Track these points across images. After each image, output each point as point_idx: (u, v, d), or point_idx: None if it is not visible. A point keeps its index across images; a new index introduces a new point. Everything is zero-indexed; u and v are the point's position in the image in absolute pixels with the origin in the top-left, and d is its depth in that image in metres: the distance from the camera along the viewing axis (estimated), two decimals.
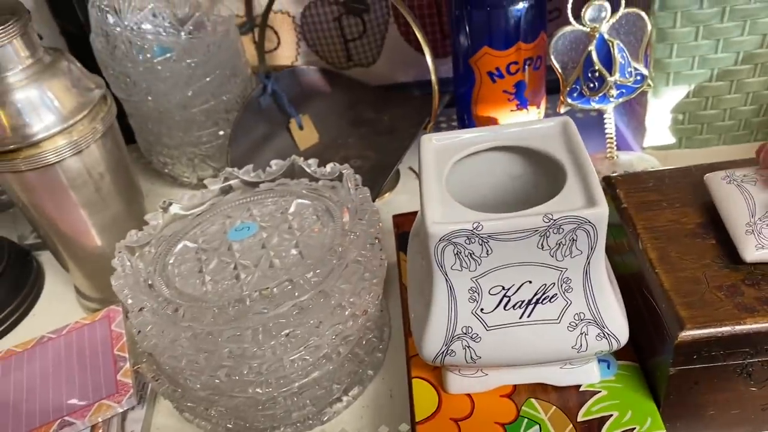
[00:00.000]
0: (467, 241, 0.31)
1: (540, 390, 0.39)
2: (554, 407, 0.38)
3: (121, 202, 0.51)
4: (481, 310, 0.34)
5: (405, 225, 0.53)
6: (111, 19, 0.59)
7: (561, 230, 0.31)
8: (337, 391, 0.43)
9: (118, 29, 0.58)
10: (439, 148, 0.37)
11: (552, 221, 0.31)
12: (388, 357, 0.47)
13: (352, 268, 0.39)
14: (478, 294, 0.33)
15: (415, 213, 0.54)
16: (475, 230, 0.31)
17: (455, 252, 0.32)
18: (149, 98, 0.58)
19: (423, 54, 0.67)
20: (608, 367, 0.39)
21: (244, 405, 0.41)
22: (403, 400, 0.45)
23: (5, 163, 0.46)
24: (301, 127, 0.64)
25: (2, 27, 0.43)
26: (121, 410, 0.44)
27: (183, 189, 0.66)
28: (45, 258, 0.62)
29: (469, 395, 0.39)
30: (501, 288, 0.33)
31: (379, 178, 0.58)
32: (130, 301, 0.39)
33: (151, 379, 0.45)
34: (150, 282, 0.41)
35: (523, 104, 0.55)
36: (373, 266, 0.41)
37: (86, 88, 0.47)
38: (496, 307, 0.34)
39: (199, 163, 0.63)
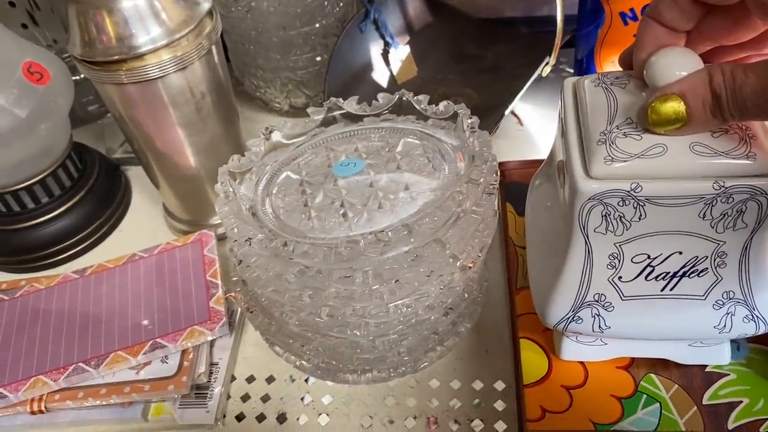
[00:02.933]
0: (620, 203, 0.28)
1: (660, 366, 0.36)
2: (676, 385, 0.35)
3: (219, 125, 0.49)
4: (619, 278, 0.31)
5: (511, 174, 0.50)
6: None
7: (731, 200, 0.27)
8: (432, 341, 0.42)
9: None
10: (594, 92, 0.33)
11: (723, 188, 0.27)
12: (484, 312, 0.45)
13: (469, 217, 0.36)
14: (619, 261, 0.30)
15: (521, 162, 0.51)
16: (632, 191, 0.28)
17: (603, 213, 0.29)
18: (249, 15, 0.55)
19: None
20: (738, 349, 0.36)
21: (339, 345, 0.40)
22: (499, 358, 0.43)
23: (108, 75, 0.44)
24: (400, 59, 0.60)
25: None
26: (212, 338, 0.43)
27: (272, 115, 0.64)
28: (132, 173, 0.61)
29: (582, 363, 0.37)
30: (646, 257, 0.30)
31: (481, 120, 0.54)
32: (236, 230, 0.37)
33: (245, 309, 0.44)
34: (254, 211, 0.40)
35: None
36: (488, 217, 0.38)
37: (194, 1, 0.44)
38: (636, 277, 0.31)
39: (293, 89, 0.61)
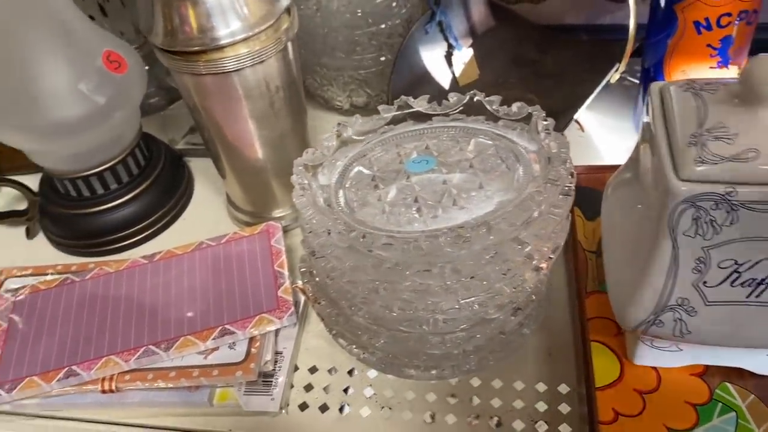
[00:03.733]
0: (713, 207, 0.28)
1: (735, 375, 0.36)
2: (753, 396, 0.35)
3: (289, 120, 0.50)
4: (704, 282, 0.31)
5: (578, 179, 0.49)
6: None
7: None
8: (498, 341, 0.42)
9: None
10: (682, 97, 0.33)
11: None
12: (548, 315, 0.45)
13: (547, 218, 0.37)
14: (705, 265, 0.30)
15: (587, 167, 0.51)
16: (727, 195, 0.28)
17: (694, 216, 0.29)
18: (318, 14, 0.56)
19: None
20: None
21: (407, 340, 0.41)
22: (563, 361, 0.43)
23: (187, 65, 0.45)
24: (463, 62, 0.60)
25: None
26: (280, 326, 0.44)
27: (332, 113, 0.65)
28: (194, 165, 0.63)
29: (655, 368, 0.37)
30: (733, 262, 0.30)
31: None
32: (314, 221, 0.38)
33: (313, 300, 0.45)
34: (328, 203, 0.40)
35: (724, 62, 0.49)
36: (563, 218, 0.39)
37: None
38: (721, 282, 0.31)
39: (355, 88, 0.61)
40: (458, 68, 0.61)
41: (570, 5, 0.64)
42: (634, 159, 0.36)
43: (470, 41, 0.62)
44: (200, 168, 0.62)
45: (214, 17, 0.43)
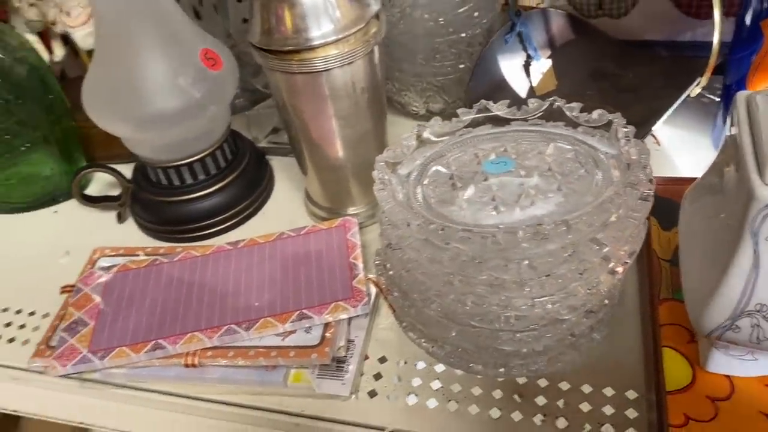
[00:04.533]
0: None
1: None
2: None
3: (370, 121, 0.52)
4: None
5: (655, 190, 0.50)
6: None
7: None
8: (568, 342, 0.43)
9: None
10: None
11: None
12: (619, 320, 0.45)
13: (626, 221, 0.37)
14: None
15: (664, 178, 0.51)
16: None
17: None
18: (402, 21, 0.59)
19: (681, 11, 0.63)
20: None
21: (476, 335, 0.42)
22: (632, 367, 0.43)
23: (280, 63, 0.48)
24: (541, 72, 0.61)
25: None
26: (354, 314, 0.46)
27: (408, 118, 0.67)
28: (275, 162, 0.66)
29: (728, 376, 0.36)
30: None
31: None
32: (394, 214, 0.40)
33: (386, 292, 0.46)
34: (407, 199, 0.42)
35: None
36: (640, 222, 0.39)
37: (365, 2, 0.48)
38: None
39: (432, 95, 0.63)
40: (536, 78, 0.62)
41: (651, 21, 0.64)
42: (716, 168, 0.37)
43: (549, 52, 0.63)
44: (281, 166, 0.65)
45: (308, 19, 0.46)
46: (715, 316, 0.32)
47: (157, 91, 0.51)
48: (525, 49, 0.62)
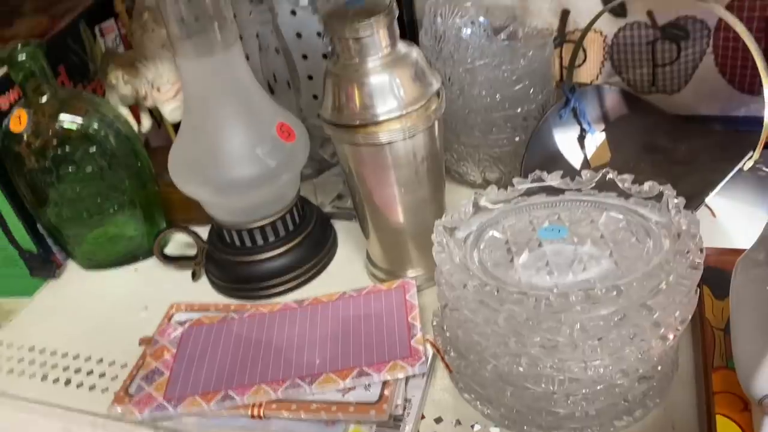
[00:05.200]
0: None
1: None
2: None
3: (429, 188, 0.55)
4: None
5: (708, 260, 0.51)
6: (439, 21, 0.65)
7: None
8: (622, 408, 0.43)
9: (443, 31, 0.63)
10: None
11: None
12: (673, 388, 0.46)
13: (676, 288, 0.39)
14: None
15: (717, 249, 0.52)
16: None
17: None
18: (460, 98, 0.63)
19: (734, 87, 0.65)
20: None
21: (531, 397, 0.43)
22: None
23: (348, 135, 0.52)
24: (595, 145, 0.64)
25: (374, 18, 0.48)
26: (412, 373, 0.48)
27: (465, 186, 0.70)
28: (339, 226, 0.69)
29: None
30: None
31: None
32: (451, 275, 0.42)
33: (443, 352, 0.48)
34: (464, 262, 0.44)
35: None
36: (691, 291, 0.40)
37: (427, 81, 0.52)
38: None
39: (489, 165, 0.66)
40: (590, 150, 0.64)
41: (704, 97, 0.66)
42: (764, 240, 0.38)
43: (603, 126, 0.66)
44: (344, 229, 0.69)
45: (375, 97, 0.50)
46: (765, 384, 0.33)
47: (237, 160, 0.56)
48: (579, 123, 0.64)
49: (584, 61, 0.68)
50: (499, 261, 0.45)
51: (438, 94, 0.53)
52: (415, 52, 0.52)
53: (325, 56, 0.81)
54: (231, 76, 0.55)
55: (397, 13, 0.50)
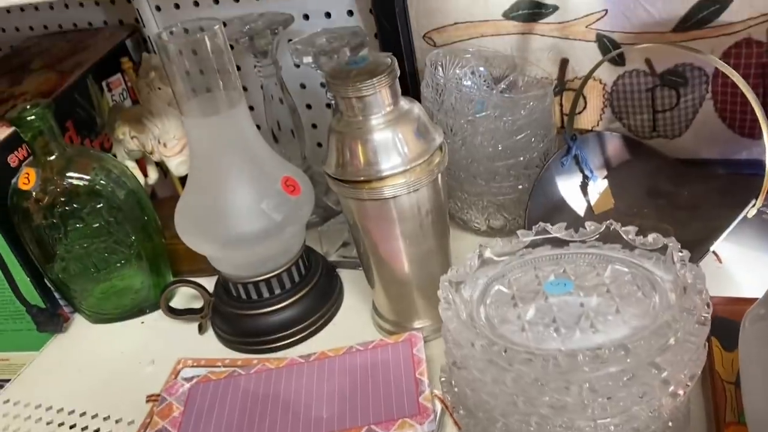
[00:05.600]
0: None
1: None
2: None
3: (434, 239, 0.56)
4: None
5: (715, 310, 0.50)
6: (440, 73, 0.66)
7: None
8: None
9: (443, 82, 0.64)
10: None
11: None
12: None
13: (683, 345, 0.39)
14: None
15: (725, 298, 0.52)
16: None
17: None
18: (463, 148, 0.63)
19: (735, 132, 0.65)
20: None
21: None
22: None
23: (352, 191, 0.52)
24: (598, 192, 0.64)
25: (377, 78, 0.49)
26: None
27: (470, 233, 0.71)
28: (344, 275, 0.70)
29: None
30: None
31: None
32: (458, 334, 0.42)
33: (452, 409, 0.48)
34: (470, 318, 0.44)
35: None
36: (699, 346, 0.40)
37: (430, 136, 0.53)
38: None
39: (492, 212, 0.67)
40: (593, 197, 0.65)
41: (704, 141, 0.66)
42: None
43: (605, 172, 0.66)
44: (350, 278, 0.69)
45: (379, 154, 0.51)
46: None
47: (243, 216, 0.57)
48: (582, 170, 0.65)
49: (584, 108, 0.69)
50: (505, 317, 0.45)
51: (441, 147, 0.54)
52: (417, 108, 0.53)
53: (328, 106, 0.83)
54: (236, 133, 0.56)
55: (398, 72, 0.51)
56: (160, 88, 0.64)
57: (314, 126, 0.86)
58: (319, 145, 0.87)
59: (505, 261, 0.50)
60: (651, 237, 0.47)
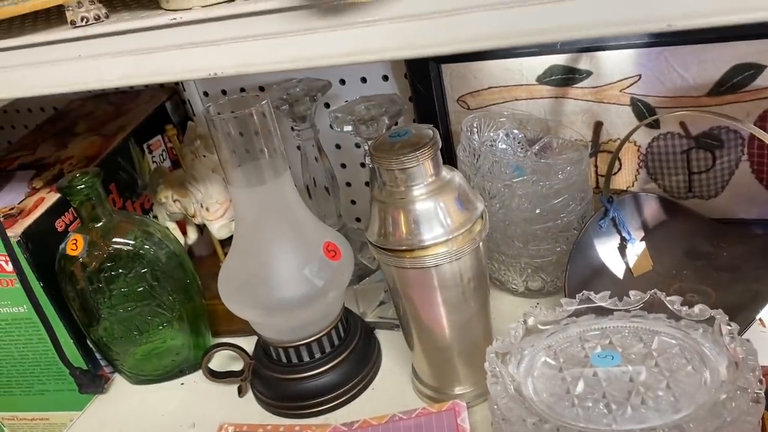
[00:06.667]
0: None
1: None
2: None
3: (476, 305, 0.56)
4: None
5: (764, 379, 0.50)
6: (475, 136, 0.67)
7: None
8: None
9: (478, 146, 0.65)
10: None
11: None
12: None
13: (738, 425, 0.38)
14: None
15: None
16: None
17: None
18: (500, 211, 0.64)
19: None
20: None
21: None
22: None
23: (394, 259, 0.53)
24: (636, 254, 0.64)
25: (420, 151, 0.51)
26: None
27: (507, 293, 0.71)
28: (382, 336, 0.70)
29: None
30: None
31: None
32: (508, 410, 0.42)
33: None
34: (519, 392, 0.44)
35: None
36: (754, 425, 0.40)
37: (471, 205, 0.53)
38: None
39: (530, 274, 0.67)
40: (632, 259, 0.65)
41: (741, 201, 0.66)
42: None
43: (642, 234, 0.66)
44: (387, 339, 0.69)
45: (421, 224, 0.52)
46: None
47: (286, 282, 0.58)
48: (619, 232, 0.65)
49: (619, 169, 0.69)
50: (554, 391, 0.45)
51: (482, 215, 0.54)
52: (458, 177, 0.54)
53: (362, 165, 0.84)
54: (281, 201, 0.58)
55: (440, 144, 0.52)
56: (205, 156, 0.66)
57: (348, 184, 0.87)
58: (353, 202, 0.88)
59: (550, 330, 0.51)
60: (697, 308, 0.47)
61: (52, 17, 0.49)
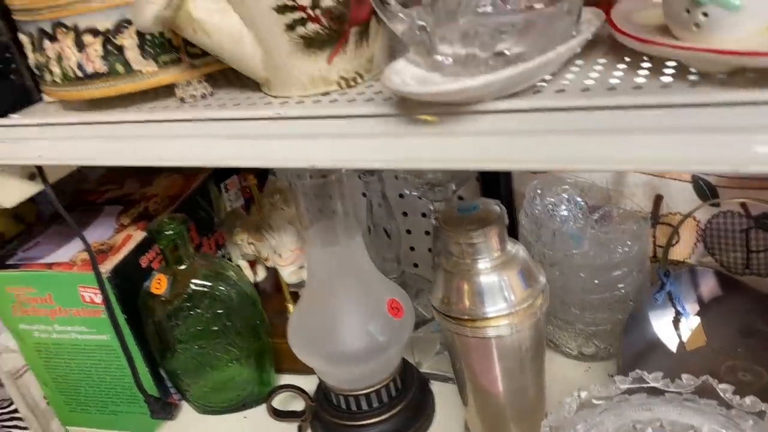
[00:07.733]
0: None
1: None
2: None
3: (533, 373, 0.59)
4: None
5: None
6: (537, 201, 0.70)
7: None
8: None
9: (539, 212, 0.68)
10: None
11: None
12: None
13: None
14: None
15: None
16: None
17: None
18: (559, 278, 0.67)
19: None
20: None
21: None
22: None
23: (456, 326, 0.56)
24: (690, 328, 0.66)
25: (487, 228, 0.54)
26: None
27: (560, 355, 0.73)
28: (436, 388, 0.73)
29: None
30: None
31: None
32: None
33: None
34: None
35: None
36: None
37: (533, 279, 0.56)
38: None
39: (584, 340, 0.69)
40: (685, 334, 0.66)
41: None
42: None
43: (698, 308, 0.68)
44: (441, 391, 0.72)
45: (485, 296, 0.54)
46: None
47: (351, 336, 0.61)
48: (674, 306, 0.67)
49: (677, 241, 0.71)
50: None
51: (543, 290, 0.57)
52: (521, 251, 0.57)
53: (423, 215, 0.88)
54: (352, 262, 0.62)
55: (507, 221, 0.55)
56: (283, 209, 0.71)
57: (408, 232, 0.91)
58: (412, 248, 0.92)
59: (602, 406, 0.53)
60: (749, 399, 0.49)
61: (161, 89, 0.54)
